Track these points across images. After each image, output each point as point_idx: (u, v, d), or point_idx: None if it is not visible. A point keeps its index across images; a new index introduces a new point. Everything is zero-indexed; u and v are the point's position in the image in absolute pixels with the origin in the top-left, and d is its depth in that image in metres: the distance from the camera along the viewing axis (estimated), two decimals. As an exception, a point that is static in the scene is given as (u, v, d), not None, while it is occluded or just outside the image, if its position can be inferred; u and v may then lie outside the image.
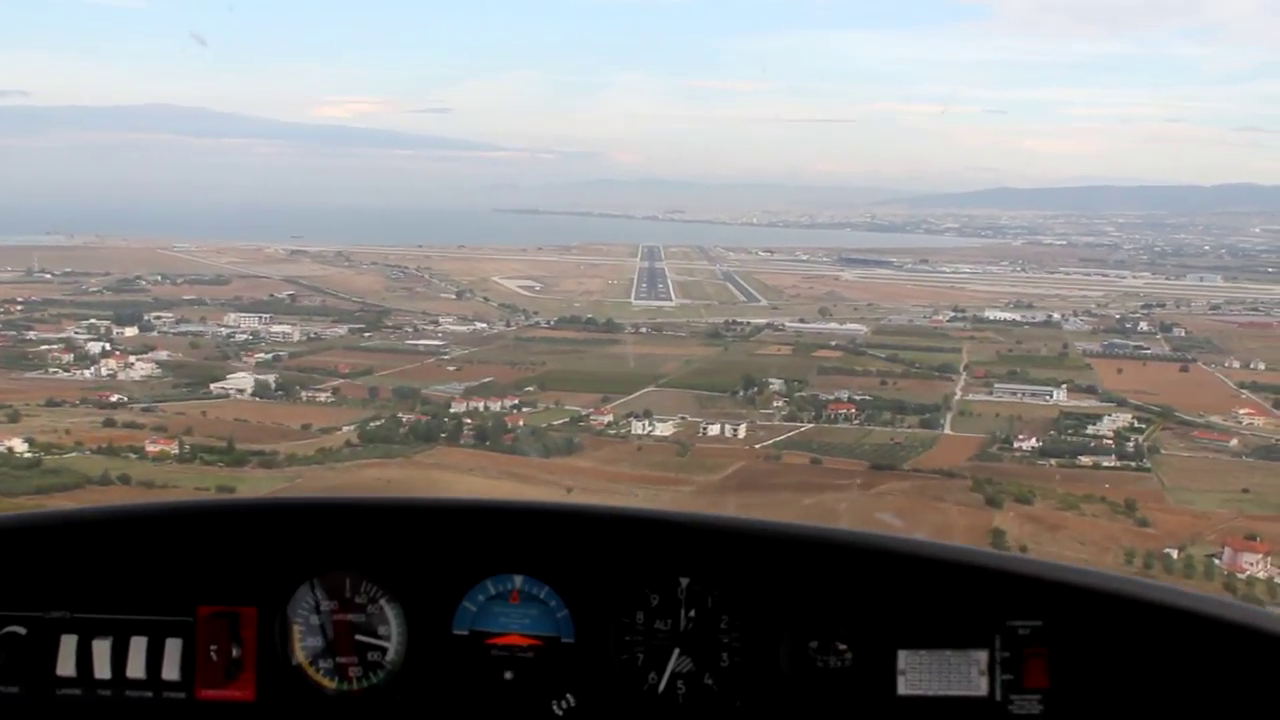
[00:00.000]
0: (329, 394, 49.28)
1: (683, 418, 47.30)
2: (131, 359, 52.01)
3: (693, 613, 3.44)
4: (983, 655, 3.30)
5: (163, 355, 53.52)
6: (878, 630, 3.34)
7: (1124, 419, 46.91)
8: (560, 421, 46.34)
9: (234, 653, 3.50)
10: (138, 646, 3.49)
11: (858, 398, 49.71)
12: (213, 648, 3.50)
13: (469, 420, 44.52)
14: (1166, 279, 77.55)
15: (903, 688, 3.33)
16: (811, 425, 47.15)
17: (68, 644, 3.51)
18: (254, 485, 32.96)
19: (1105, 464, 42.14)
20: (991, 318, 66.27)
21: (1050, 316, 66.49)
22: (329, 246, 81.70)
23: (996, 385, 52.07)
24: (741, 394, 50.89)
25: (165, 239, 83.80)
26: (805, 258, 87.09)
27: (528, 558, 3.50)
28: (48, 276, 68.17)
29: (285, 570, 3.55)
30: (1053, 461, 42.49)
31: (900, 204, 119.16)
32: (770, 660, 3.39)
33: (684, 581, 3.45)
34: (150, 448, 37.51)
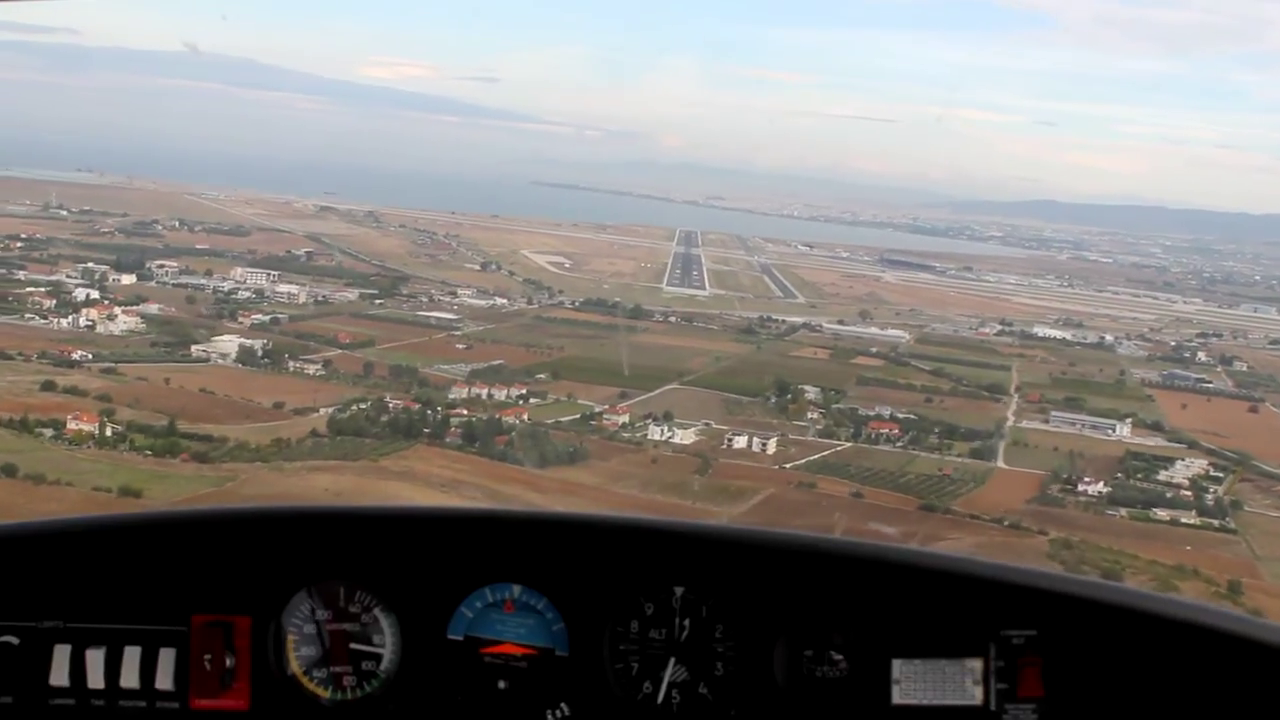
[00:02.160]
0: (320, 366, 42.48)
1: (707, 424, 40.40)
2: (116, 310, 45.72)
3: (687, 622, 3.32)
4: (977, 664, 3.17)
5: (153, 308, 47.20)
6: (872, 639, 3.23)
7: (1198, 465, 39.65)
8: (569, 418, 39.45)
9: (228, 662, 3.36)
10: (131, 656, 3.34)
11: (901, 416, 42.89)
12: (207, 657, 3.34)
13: (464, 411, 37.43)
14: (1219, 307, 70.45)
15: (897, 697, 3.20)
16: (850, 444, 40.20)
17: (61, 654, 3.35)
18: (172, 487, 25.74)
19: (1184, 520, 34.88)
20: (1041, 335, 59.35)
21: (1103, 338, 59.75)
22: (361, 205, 75.36)
23: (1053, 413, 44.96)
24: (773, 400, 44.11)
25: (195, 185, 77.53)
26: (846, 255, 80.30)
27: (524, 567, 3.37)
28: (64, 214, 62.28)
29: (279, 580, 3.39)
30: (1123, 512, 35.35)
31: (943, 208, 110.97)
32: (765, 669, 3.27)
33: (679, 591, 3.33)
34: (71, 424, 30.32)
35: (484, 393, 40.48)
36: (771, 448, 38.34)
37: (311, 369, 42.17)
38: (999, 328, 59.91)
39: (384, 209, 75.15)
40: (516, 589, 3.38)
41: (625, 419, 39.80)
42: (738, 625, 3.32)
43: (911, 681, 3.21)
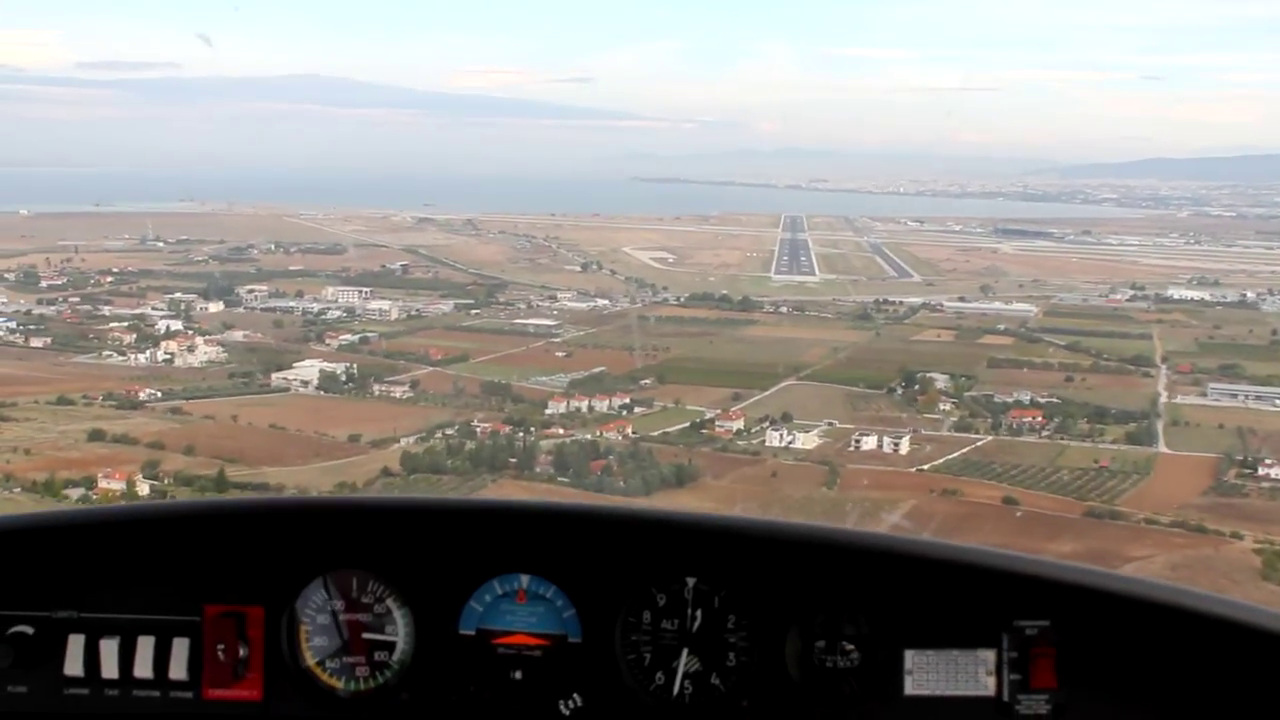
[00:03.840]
0: (407, 387, 38.17)
1: (830, 424, 35.47)
2: (197, 340, 41.99)
3: (699, 612, 3.20)
4: (990, 655, 3.08)
5: (237, 335, 43.47)
6: (885, 630, 3.12)
7: (1390, 436, 33.68)
8: (677, 428, 34.70)
9: (241, 652, 3.24)
10: (145, 646, 3.23)
11: (1042, 401, 37.72)
12: (220, 647, 3.24)
13: (560, 430, 32.72)
14: (1359, 254, 64.81)
15: (910, 687, 3.11)
16: (990, 437, 35.12)
17: (75, 643, 3.24)
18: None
19: (1393, 505, 29.04)
20: (1176, 296, 53.37)
21: (1244, 296, 53.51)
22: (460, 214, 71.79)
23: (1210, 385, 39.21)
24: (900, 392, 39.26)
25: (293, 206, 74.75)
26: (958, 228, 74.41)
27: (534, 557, 3.26)
28: (160, 245, 59.44)
29: (291, 570, 3.30)
30: (1317, 497, 29.52)
31: (1052, 173, 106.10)
32: (777, 660, 3.17)
33: (691, 581, 3.21)
34: (102, 483, 25.73)
35: (584, 405, 35.96)
36: (905, 447, 33.27)
37: (398, 391, 37.91)
38: (1131, 293, 54.42)
39: (483, 216, 71.58)
40: (525, 579, 3.20)
41: (739, 425, 34.97)
42: (750, 616, 3.15)
43: (924, 672, 3.05)
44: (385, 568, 3.26)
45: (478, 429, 32.82)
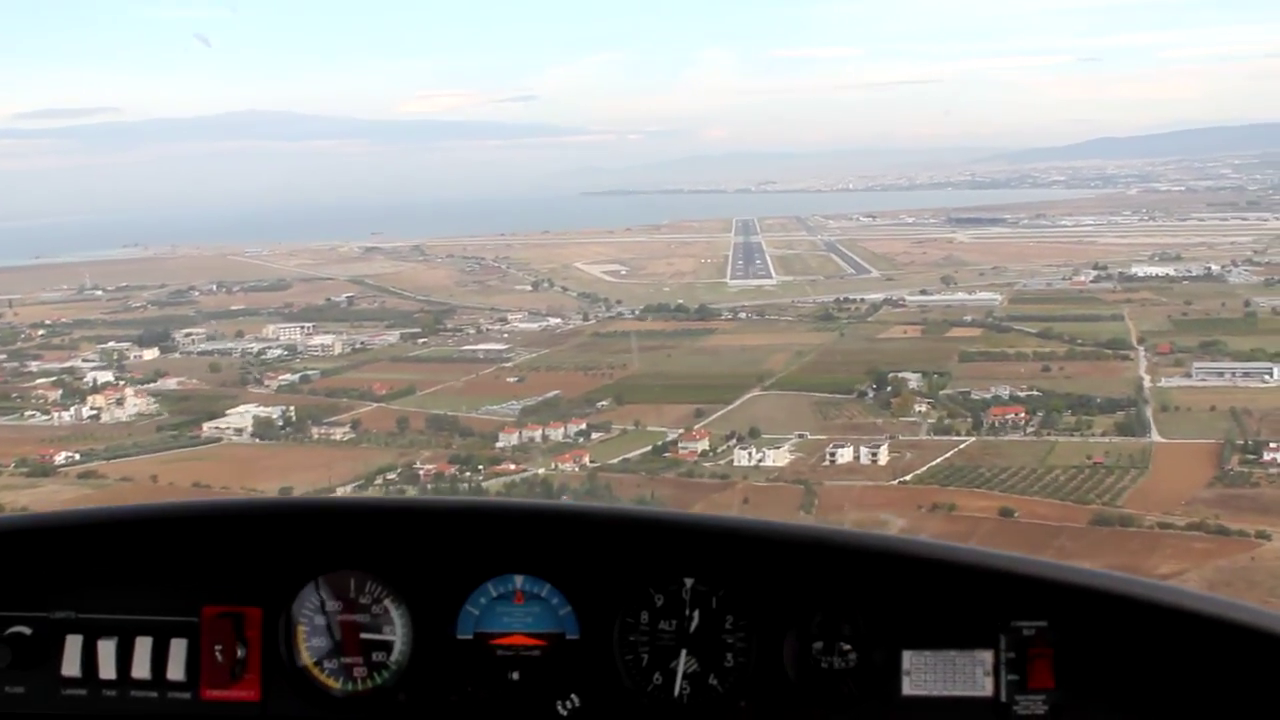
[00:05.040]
0: (348, 428, 34.83)
1: (801, 436, 32.45)
2: (128, 391, 38.50)
3: (697, 613, 3.02)
4: (988, 656, 2.90)
5: (171, 384, 40.13)
6: (882, 631, 2.95)
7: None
8: (639, 452, 31.37)
9: (239, 653, 3.08)
10: (143, 647, 3.06)
11: (1022, 395, 34.79)
12: (218, 648, 3.08)
13: (511, 466, 29.46)
14: (1312, 221, 63.08)
15: (907, 688, 2.93)
16: (973, 438, 32.31)
17: (73, 644, 3.08)
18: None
19: None
20: (1141, 274, 51.46)
21: (1209, 269, 52.04)
22: (408, 241, 69.95)
23: (1194, 365, 36.46)
24: (871, 395, 36.35)
25: (238, 245, 72.57)
26: (911, 220, 73.15)
27: (530, 558, 3.09)
28: (99, 293, 56.74)
29: (288, 571, 3.14)
30: (1329, 482, 26.64)
31: (999, 160, 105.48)
32: (775, 661, 3.00)
33: (689, 582, 3.04)
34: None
35: (537, 434, 32.66)
36: (884, 457, 30.17)
37: (339, 433, 34.65)
38: (1094, 273, 52.56)
39: (431, 241, 69.52)
40: (519, 579, 3.01)
41: (704, 444, 31.80)
42: (748, 616, 2.98)
43: (922, 673, 2.88)
44: (382, 568, 3.09)
45: (420, 471, 29.49)
